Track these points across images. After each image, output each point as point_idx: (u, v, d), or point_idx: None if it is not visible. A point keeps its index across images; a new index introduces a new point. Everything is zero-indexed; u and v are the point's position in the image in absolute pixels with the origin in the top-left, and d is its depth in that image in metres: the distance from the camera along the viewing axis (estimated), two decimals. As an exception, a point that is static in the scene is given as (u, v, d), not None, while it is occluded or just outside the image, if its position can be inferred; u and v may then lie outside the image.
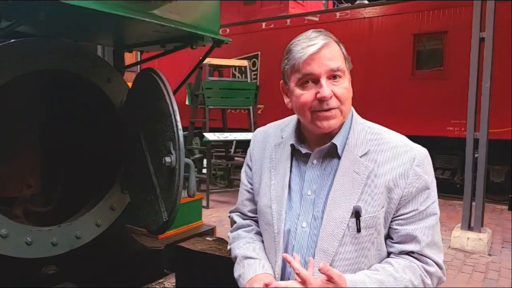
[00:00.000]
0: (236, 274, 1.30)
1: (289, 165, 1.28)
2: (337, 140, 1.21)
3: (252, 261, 1.27)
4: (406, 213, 1.17)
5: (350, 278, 1.10)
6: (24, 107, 2.15)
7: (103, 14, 1.51)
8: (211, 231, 3.10)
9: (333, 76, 1.16)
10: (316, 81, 1.15)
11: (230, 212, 1.52)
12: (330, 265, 1.13)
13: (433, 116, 7.52)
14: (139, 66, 5.76)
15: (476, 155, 4.91)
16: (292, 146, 1.28)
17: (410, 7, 7.87)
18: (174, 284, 2.10)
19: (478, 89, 4.79)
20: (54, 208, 2.36)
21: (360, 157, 1.18)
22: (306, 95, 1.17)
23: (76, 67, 1.99)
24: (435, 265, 1.19)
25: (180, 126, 1.66)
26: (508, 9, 6.38)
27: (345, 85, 1.18)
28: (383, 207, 1.16)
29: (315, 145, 1.24)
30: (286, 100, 1.27)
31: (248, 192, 1.42)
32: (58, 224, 2.01)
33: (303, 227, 1.22)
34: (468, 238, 4.77)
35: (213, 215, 6.02)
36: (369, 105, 7.85)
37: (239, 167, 8.92)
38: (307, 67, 1.15)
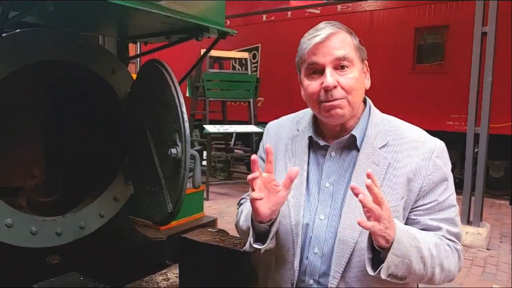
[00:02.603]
0: (239, 222, 1.32)
1: (306, 158, 1.27)
2: (356, 132, 1.21)
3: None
4: (426, 204, 1.17)
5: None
6: (29, 98, 2.14)
7: (110, 4, 1.50)
8: (212, 223, 3.12)
9: (340, 66, 1.15)
10: (322, 71, 1.15)
11: (238, 202, 1.51)
12: (351, 255, 1.15)
13: (433, 111, 7.52)
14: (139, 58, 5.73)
15: (476, 150, 4.93)
16: (310, 138, 1.27)
17: (411, 1, 7.84)
18: (177, 275, 2.11)
19: (480, 83, 4.79)
20: (57, 199, 2.37)
21: (379, 148, 1.18)
22: (313, 85, 1.17)
23: (81, 58, 1.99)
24: (459, 245, 1.20)
25: (186, 118, 1.66)
26: (510, 3, 6.36)
27: (353, 75, 1.16)
28: (402, 197, 1.16)
29: (333, 137, 1.24)
30: (302, 92, 1.26)
31: None
32: (62, 214, 2.01)
33: (321, 219, 1.21)
34: (467, 233, 4.80)
35: (213, 207, 6.04)
36: (370, 98, 7.85)
37: (238, 159, 8.92)
38: (312, 57, 1.15)
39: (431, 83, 7.66)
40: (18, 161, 2.11)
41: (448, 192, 1.19)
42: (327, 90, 1.13)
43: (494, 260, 4.42)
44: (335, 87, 1.13)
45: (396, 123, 1.25)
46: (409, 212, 1.18)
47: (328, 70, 1.13)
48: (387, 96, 7.98)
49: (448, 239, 1.17)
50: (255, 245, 1.19)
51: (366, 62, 1.23)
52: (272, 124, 1.44)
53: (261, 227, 1.18)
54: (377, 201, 0.98)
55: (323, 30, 1.15)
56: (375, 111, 1.27)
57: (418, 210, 1.18)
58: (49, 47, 1.85)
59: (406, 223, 1.18)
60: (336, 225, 1.18)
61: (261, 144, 1.44)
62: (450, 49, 7.44)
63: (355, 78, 1.16)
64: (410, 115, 7.91)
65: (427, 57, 7.97)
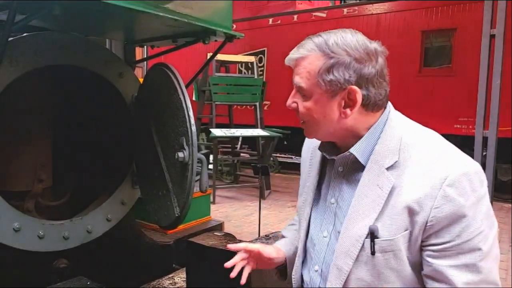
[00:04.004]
0: None
1: (319, 169, 1.23)
2: (356, 150, 1.08)
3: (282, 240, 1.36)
4: (438, 244, 0.99)
5: None
6: (37, 102, 2.15)
7: (118, 8, 1.50)
8: (219, 226, 3.11)
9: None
10: None
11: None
12: (345, 284, 1.06)
13: (440, 114, 7.48)
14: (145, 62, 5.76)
15: (484, 153, 4.88)
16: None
17: (418, 4, 7.81)
18: (184, 279, 2.10)
19: (488, 86, 4.75)
20: (64, 202, 2.37)
21: (387, 169, 1.04)
22: None
23: (88, 62, 1.99)
24: None
25: (193, 121, 1.66)
26: (518, 5, 6.31)
27: (306, 104, 1.07)
28: (406, 229, 1.00)
29: (337, 151, 1.14)
30: None
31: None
32: (69, 218, 2.01)
33: (324, 237, 1.16)
34: (476, 237, 4.74)
35: (220, 211, 6.03)
36: (376, 102, 7.83)
37: (245, 163, 8.92)
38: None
39: (438, 86, 7.62)
40: (26, 165, 2.12)
41: (469, 232, 0.96)
42: None
43: (504, 264, 4.35)
44: (290, 107, 1.11)
45: (414, 139, 1.06)
46: (422, 250, 1.02)
47: (293, 92, 1.10)
48: (394, 99, 7.88)
49: None
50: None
51: (355, 93, 1.03)
52: None
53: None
54: None
55: (296, 52, 1.08)
56: (392, 123, 1.10)
57: (430, 250, 1.00)
58: (56, 51, 1.85)
59: (420, 262, 1.04)
60: (334, 247, 1.10)
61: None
62: (457, 52, 7.40)
63: (307, 108, 1.08)
64: (417, 118, 7.85)
65: (434, 60, 7.93)
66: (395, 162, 1.03)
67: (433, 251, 0.99)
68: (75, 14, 1.71)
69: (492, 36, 4.68)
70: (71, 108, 2.30)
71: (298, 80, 1.07)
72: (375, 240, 1.01)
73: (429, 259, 1.00)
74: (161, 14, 1.64)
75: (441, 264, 0.98)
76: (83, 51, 1.96)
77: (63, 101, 2.27)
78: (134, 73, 2.24)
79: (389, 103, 1.15)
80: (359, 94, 1.03)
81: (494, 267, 0.99)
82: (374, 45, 1.09)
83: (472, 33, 6.73)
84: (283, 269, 1.35)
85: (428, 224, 0.97)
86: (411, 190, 0.99)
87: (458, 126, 7.38)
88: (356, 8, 8.58)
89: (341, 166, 1.14)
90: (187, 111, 1.67)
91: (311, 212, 1.24)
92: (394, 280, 1.03)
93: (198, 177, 1.82)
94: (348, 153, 1.09)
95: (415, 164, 1.01)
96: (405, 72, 7.90)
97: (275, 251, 1.31)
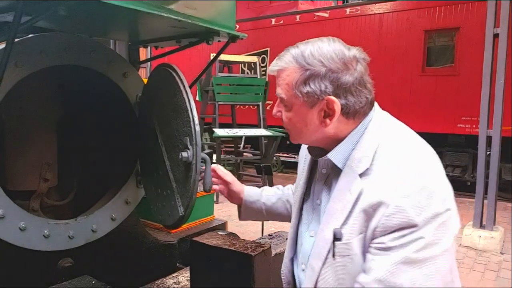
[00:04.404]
0: None
1: (310, 168, 1.27)
2: (333, 155, 1.10)
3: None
4: (376, 242, 0.98)
5: None
6: (42, 102, 2.16)
7: (122, 9, 1.51)
8: (223, 226, 3.11)
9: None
10: None
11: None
12: (315, 284, 1.08)
13: (443, 113, 7.46)
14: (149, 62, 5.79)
15: (488, 153, 4.87)
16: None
17: (421, 3, 7.80)
18: (188, 278, 2.11)
19: (492, 85, 4.74)
20: (69, 202, 2.38)
21: (360, 175, 1.04)
22: None
23: (93, 62, 2.01)
24: None
25: (197, 121, 1.67)
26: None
27: (287, 115, 1.12)
28: (361, 233, 1.01)
29: (326, 153, 1.14)
30: None
31: None
32: (74, 218, 2.03)
33: (310, 236, 1.19)
34: (480, 236, 4.73)
35: (223, 210, 6.04)
36: (379, 102, 7.81)
37: (248, 162, 8.93)
38: None
39: (441, 86, 7.60)
40: (31, 164, 2.14)
41: (411, 241, 0.92)
42: None
43: (508, 264, 4.35)
44: (276, 116, 1.18)
45: (392, 147, 1.04)
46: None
47: (277, 102, 1.15)
48: (397, 98, 7.92)
49: None
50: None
51: (333, 103, 1.04)
52: None
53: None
54: None
55: (275, 64, 1.12)
56: (372, 130, 1.09)
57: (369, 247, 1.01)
58: (61, 51, 1.87)
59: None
60: None
61: None
62: (460, 51, 7.38)
63: (289, 118, 1.12)
64: (421, 118, 7.85)
65: (437, 59, 7.91)
66: (367, 169, 1.03)
67: (370, 247, 1.00)
68: (80, 15, 1.73)
69: (496, 35, 4.68)
70: (76, 108, 2.32)
71: (279, 91, 1.11)
72: (335, 243, 1.02)
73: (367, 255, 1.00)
74: (165, 15, 1.65)
75: (367, 256, 1.00)
76: (87, 52, 1.97)
77: (67, 101, 2.29)
78: (138, 73, 2.25)
79: (375, 109, 1.14)
80: (337, 104, 1.04)
81: (417, 278, 0.93)
82: (353, 52, 1.08)
83: (475, 33, 6.72)
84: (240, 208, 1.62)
85: (376, 230, 0.97)
86: (370, 195, 0.99)
87: (462, 125, 7.36)
88: (358, 8, 8.58)
89: (324, 169, 1.18)
90: (191, 111, 1.68)
91: (301, 211, 1.28)
92: (351, 286, 1.02)
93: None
94: (326, 158, 1.11)
95: (383, 172, 1.00)
96: (408, 72, 7.89)
97: (239, 190, 1.59)
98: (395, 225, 0.94)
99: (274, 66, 1.11)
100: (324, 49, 1.05)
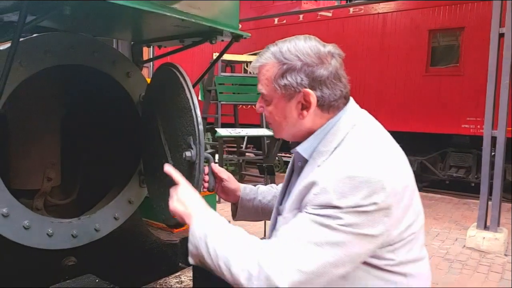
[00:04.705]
0: None
1: (291, 164, 1.38)
2: (302, 148, 1.19)
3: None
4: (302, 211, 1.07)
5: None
6: (45, 101, 2.17)
7: (125, 8, 1.51)
8: (226, 226, 3.11)
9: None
10: None
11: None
12: None
13: (448, 114, 7.43)
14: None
15: (493, 154, 4.84)
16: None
17: (426, 3, 7.76)
18: (191, 278, 2.11)
19: (497, 86, 4.71)
20: (72, 201, 2.39)
21: (318, 166, 1.12)
22: None
23: (96, 62, 2.01)
24: (263, 268, 0.98)
25: (200, 121, 1.67)
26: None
27: (268, 109, 1.20)
28: (296, 209, 1.12)
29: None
30: None
31: None
32: (77, 217, 2.03)
33: None
34: (484, 238, 4.71)
35: (225, 210, 6.04)
36: (383, 102, 7.78)
37: (250, 162, 8.92)
38: None
39: (446, 86, 7.57)
40: (35, 164, 2.14)
41: (323, 213, 0.99)
42: None
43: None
44: (259, 112, 1.26)
45: (352, 141, 1.11)
46: None
47: (260, 97, 1.23)
48: (401, 99, 7.89)
49: (267, 250, 1.01)
50: None
51: (309, 95, 1.12)
52: None
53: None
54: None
55: (256, 61, 1.20)
56: (340, 125, 1.15)
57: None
58: (65, 51, 1.87)
59: None
60: None
61: None
62: (465, 51, 7.35)
63: (270, 112, 1.21)
64: (425, 118, 7.82)
65: (442, 59, 7.88)
66: (324, 160, 1.11)
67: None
68: (83, 14, 1.73)
69: (501, 35, 4.65)
70: (79, 107, 2.32)
71: (260, 87, 1.19)
72: (278, 217, 1.18)
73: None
74: (168, 14, 1.65)
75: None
76: (91, 51, 1.98)
77: (71, 101, 2.29)
78: (141, 72, 2.25)
79: (350, 104, 1.20)
80: (313, 96, 1.12)
81: (309, 255, 0.97)
82: (328, 48, 1.15)
83: (480, 32, 6.68)
84: (235, 207, 1.70)
85: (306, 206, 1.05)
86: (309, 177, 1.08)
87: (466, 126, 7.32)
88: (362, 7, 8.56)
89: (300, 161, 1.25)
90: (195, 111, 1.68)
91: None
92: None
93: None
94: (296, 150, 1.20)
95: (331, 161, 1.09)
96: (412, 72, 7.86)
97: (236, 188, 1.63)
98: (319, 203, 1.01)
99: (255, 63, 1.20)
100: (300, 45, 1.14)
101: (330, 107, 1.15)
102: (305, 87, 1.12)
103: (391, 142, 1.15)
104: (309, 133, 1.18)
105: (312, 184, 1.04)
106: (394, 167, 1.07)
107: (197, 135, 1.67)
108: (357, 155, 1.06)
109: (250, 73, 9.66)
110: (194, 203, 1.25)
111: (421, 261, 1.15)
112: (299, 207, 1.09)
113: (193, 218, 1.18)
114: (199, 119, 1.68)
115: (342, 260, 0.98)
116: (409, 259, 1.10)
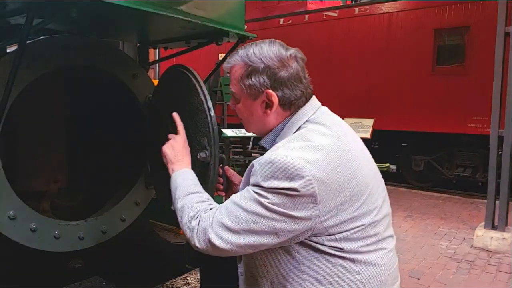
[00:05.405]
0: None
1: None
2: (264, 141, 1.34)
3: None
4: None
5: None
6: (52, 103, 2.18)
7: (131, 10, 1.51)
8: (232, 227, 3.11)
9: None
10: None
11: None
12: None
13: (454, 113, 7.37)
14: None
15: (500, 153, 4.80)
16: None
17: (431, 2, 7.71)
18: (198, 280, 2.11)
19: (503, 85, 4.67)
20: (79, 203, 2.40)
21: None
22: None
23: (103, 64, 2.01)
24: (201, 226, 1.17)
25: (215, 121, 1.68)
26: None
27: (238, 106, 1.33)
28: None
29: None
30: None
31: None
32: (84, 219, 2.03)
33: None
34: (492, 238, 4.67)
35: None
36: (388, 101, 7.74)
37: (256, 163, 8.91)
38: None
39: (451, 85, 7.51)
40: (42, 166, 2.15)
41: (248, 196, 1.14)
42: None
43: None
44: (232, 108, 1.39)
45: (298, 135, 1.22)
46: None
47: (232, 96, 1.35)
48: (407, 98, 7.84)
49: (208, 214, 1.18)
50: None
51: (272, 95, 1.22)
52: None
53: None
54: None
55: (227, 62, 1.32)
56: (295, 122, 1.26)
57: None
58: (71, 53, 1.88)
59: None
60: None
61: None
62: (471, 50, 7.29)
63: (238, 109, 1.34)
64: (430, 117, 7.77)
65: (448, 58, 7.81)
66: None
67: None
68: (89, 16, 1.73)
69: (507, 34, 4.60)
70: (85, 109, 2.33)
71: (230, 86, 1.32)
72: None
73: None
74: (174, 16, 1.65)
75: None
76: (97, 53, 1.98)
77: (77, 103, 2.30)
78: (147, 74, 2.26)
79: (310, 102, 1.29)
80: (274, 96, 1.23)
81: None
82: (290, 52, 1.26)
83: (486, 31, 6.62)
84: None
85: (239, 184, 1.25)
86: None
87: (473, 125, 7.25)
88: (367, 7, 8.51)
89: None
90: (209, 112, 1.68)
91: None
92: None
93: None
94: (260, 143, 1.35)
95: (271, 149, 1.21)
96: (417, 71, 7.80)
97: None
98: (252, 182, 1.15)
99: (226, 64, 1.32)
100: (264, 49, 1.25)
101: (291, 105, 1.26)
102: (268, 88, 1.23)
103: (342, 139, 1.21)
104: (273, 129, 1.30)
105: (252, 166, 1.18)
106: (327, 161, 1.13)
107: (212, 136, 1.67)
108: (288, 145, 1.16)
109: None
110: (182, 156, 1.49)
111: (379, 251, 1.21)
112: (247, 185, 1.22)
113: (175, 168, 1.44)
114: (214, 120, 1.69)
115: (264, 231, 1.11)
116: (361, 250, 1.17)
